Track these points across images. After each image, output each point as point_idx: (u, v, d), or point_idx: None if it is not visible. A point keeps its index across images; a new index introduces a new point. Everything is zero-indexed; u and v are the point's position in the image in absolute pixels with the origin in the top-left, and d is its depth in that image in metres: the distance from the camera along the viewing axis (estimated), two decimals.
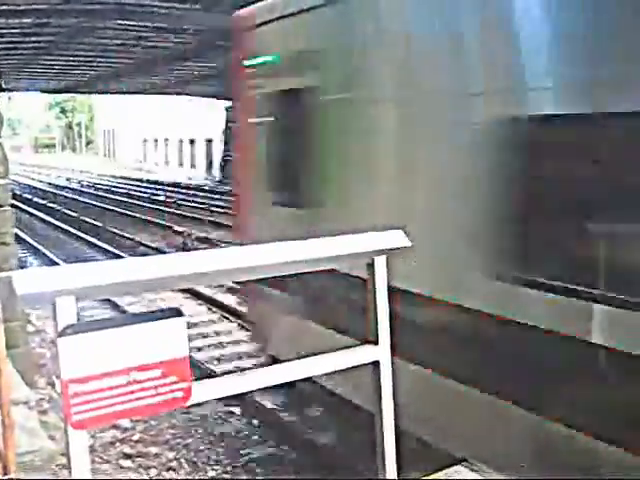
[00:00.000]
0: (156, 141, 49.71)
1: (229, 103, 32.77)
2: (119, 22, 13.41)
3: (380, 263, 2.09)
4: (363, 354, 2.21)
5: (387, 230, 2.19)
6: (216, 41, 16.11)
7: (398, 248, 2.13)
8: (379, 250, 2.10)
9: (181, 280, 2.17)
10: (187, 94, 31.65)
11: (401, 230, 2.15)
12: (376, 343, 2.14)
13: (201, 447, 5.95)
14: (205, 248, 14.89)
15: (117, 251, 14.58)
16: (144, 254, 13.99)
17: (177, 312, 1.78)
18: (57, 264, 11.97)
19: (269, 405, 6.54)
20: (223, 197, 28.25)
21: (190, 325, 9.49)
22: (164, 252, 14.18)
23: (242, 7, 6.38)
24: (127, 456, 5.74)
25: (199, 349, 8.53)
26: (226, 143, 34.93)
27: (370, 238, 2.14)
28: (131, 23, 13.46)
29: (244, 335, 9.23)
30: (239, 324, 9.65)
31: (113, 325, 1.67)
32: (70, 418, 1.59)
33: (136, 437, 6.04)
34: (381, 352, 2.13)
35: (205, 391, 1.93)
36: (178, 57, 18.71)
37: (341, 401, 5.04)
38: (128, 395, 1.70)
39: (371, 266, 2.10)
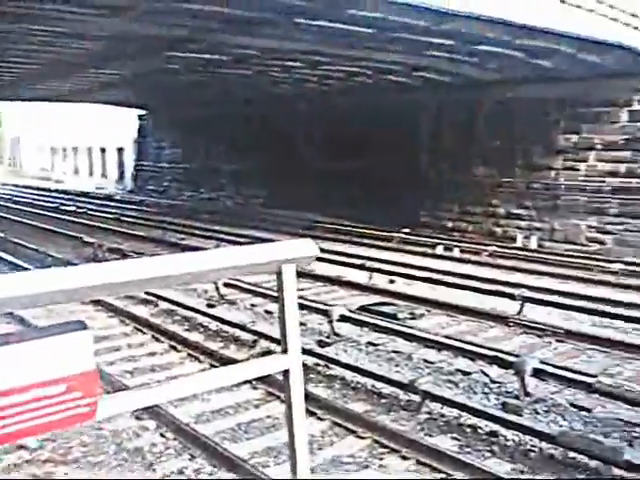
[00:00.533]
0: (64, 150, 48.25)
1: (141, 111, 32.23)
2: (22, 26, 12.97)
3: (288, 272, 2.11)
4: (273, 363, 2.22)
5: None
6: (125, 49, 15.83)
7: (307, 257, 2.15)
8: (288, 259, 2.11)
9: (90, 291, 2.10)
10: (96, 101, 30.86)
11: (310, 239, 2.18)
12: (286, 352, 2.15)
13: (114, 464, 5.80)
14: (116, 259, 14.53)
15: (23, 263, 14.05)
16: (52, 266, 13.52)
17: (82, 325, 1.73)
18: None
19: (184, 418, 6.46)
20: (135, 207, 27.73)
21: (101, 338, 9.26)
22: (74, 264, 13.75)
23: None
24: (35, 478, 5.54)
25: (111, 363, 8.32)
26: (138, 152, 34.29)
27: (279, 247, 2.15)
28: (36, 28, 13.06)
29: (158, 347, 9.09)
30: (152, 336, 9.48)
31: (14, 340, 1.62)
32: None
33: (44, 457, 5.83)
34: (291, 361, 2.14)
35: (113, 405, 1.89)
36: (85, 64, 18.25)
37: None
38: (32, 412, 1.65)
39: (279, 275, 2.11)
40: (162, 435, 6.27)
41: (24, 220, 22.72)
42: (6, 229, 19.69)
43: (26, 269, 12.86)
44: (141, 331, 9.77)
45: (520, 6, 11.83)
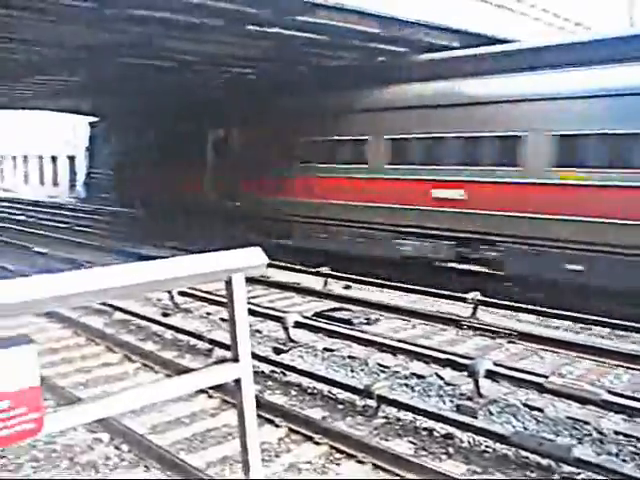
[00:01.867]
0: (14, 158, 47.27)
1: (93, 119, 31.77)
2: None
3: (238, 281, 2.12)
4: (225, 372, 2.23)
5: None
6: (78, 55, 15.61)
7: (256, 265, 2.17)
8: (237, 268, 2.12)
9: (43, 303, 2.08)
10: (47, 109, 30.33)
11: (259, 247, 2.19)
12: (237, 360, 2.16)
13: (67, 478, 5.69)
14: (69, 269, 14.26)
15: None
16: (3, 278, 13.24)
17: (27, 340, 1.71)
18: None
19: (139, 429, 6.38)
20: (87, 216, 27.31)
21: (54, 350, 9.10)
22: (25, 275, 13.46)
23: None
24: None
25: (64, 375, 8.17)
26: (90, 160, 33.81)
27: (228, 256, 2.16)
28: None
29: (112, 358, 8.96)
30: (106, 346, 9.34)
31: None
32: None
33: None
34: (242, 369, 2.15)
35: (61, 419, 1.87)
36: (34, 71, 17.93)
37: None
38: None
39: (229, 283, 2.12)
40: (116, 447, 6.17)
41: None
42: None
43: None
44: (94, 342, 9.62)
45: None
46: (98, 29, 12.38)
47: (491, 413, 6.91)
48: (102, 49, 14.51)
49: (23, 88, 21.93)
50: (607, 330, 9.86)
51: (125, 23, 11.79)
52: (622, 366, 8.26)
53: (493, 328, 9.83)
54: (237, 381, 2.18)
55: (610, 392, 6.73)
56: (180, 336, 9.79)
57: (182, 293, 11.64)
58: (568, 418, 6.70)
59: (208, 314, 11.26)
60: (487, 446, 6.08)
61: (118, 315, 10.95)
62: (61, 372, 8.27)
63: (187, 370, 7.29)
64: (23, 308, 1.83)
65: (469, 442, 6.19)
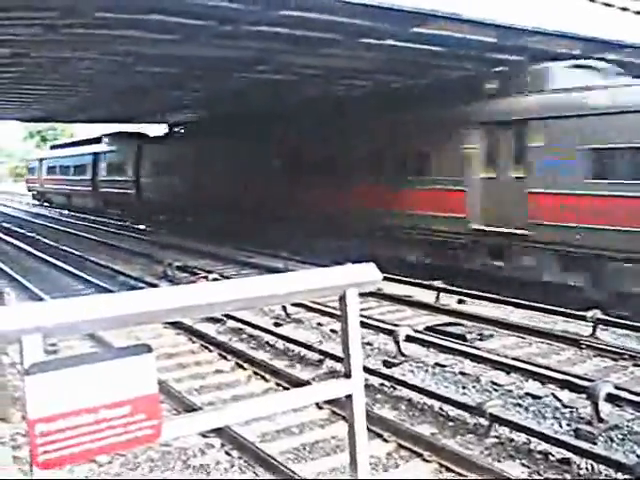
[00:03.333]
0: None
1: None
2: None
3: (352, 296, 2.10)
4: (336, 388, 2.21)
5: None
6: (197, 72, 16.24)
7: (370, 281, 2.14)
8: (351, 283, 2.10)
9: (165, 314, 2.15)
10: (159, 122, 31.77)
11: (373, 263, 2.17)
12: (349, 376, 2.13)
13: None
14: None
15: None
16: None
17: (146, 349, 1.76)
18: None
19: (249, 436, 6.49)
20: None
21: (168, 355, 9.43)
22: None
23: None
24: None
25: (178, 380, 8.44)
26: None
27: (342, 271, 2.15)
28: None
29: (225, 365, 9.18)
30: (219, 354, 9.59)
31: (80, 363, 1.66)
32: (36, 458, 1.58)
33: (114, 471, 5.95)
34: (354, 385, 2.12)
35: (175, 428, 1.91)
36: (159, 86, 18.80)
37: None
38: (96, 434, 1.68)
39: (343, 299, 2.10)
40: (227, 453, 6.31)
41: None
42: None
43: None
44: (208, 349, 9.89)
45: None
46: (217, 46, 12.81)
47: (612, 440, 6.55)
48: (222, 65, 15.01)
49: (148, 103, 22.99)
50: None
51: (244, 40, 12.15)
52: None
53: (615, 349, 9.34)
54: (348, 396, 2.16)
55: None
56: (291, 346, 9.90)
57: (294, 303, 11.78)
58: None
59: (319, 325, 11.34)
60: (607, 475, 5.76)
61: (231, 323, 11.21)
62: (176, 377, 8.55)
63: (298, 383, 7.37)
64: (147, 318, 1.90)
65: (587, 469, 5.89)
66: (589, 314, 10.33)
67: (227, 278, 14.64)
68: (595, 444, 6.32)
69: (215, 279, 14.03)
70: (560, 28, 11.92)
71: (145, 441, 1.75)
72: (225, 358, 9.42)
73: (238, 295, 1.99)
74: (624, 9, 12.61)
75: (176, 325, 10.80)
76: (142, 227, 26.27)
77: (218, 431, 6.38)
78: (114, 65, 15.31)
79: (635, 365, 8.84)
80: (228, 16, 10.64)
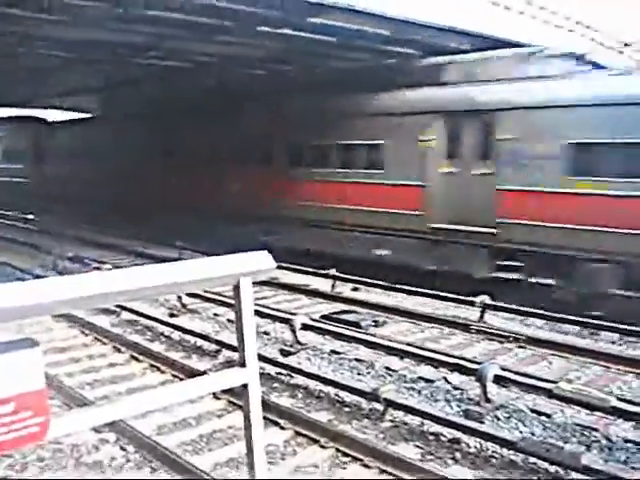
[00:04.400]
0: None
1: None
2: None
3: (246, 285, 2.10)
4: (232, 377, 2.21)
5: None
6: (91, 55, 15.66)
7: (264, 270, 2.15)
8: (245, 272, 2.10)
9: (56, 306, 2.07)
10: (59, 107, 30.47)
11: (266, 252, 2.17)
12: (244, 365, 2.14)
13: (72, 478, 5.69)
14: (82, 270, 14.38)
15: None
16: None
17: (31, 343, 1.70)
18: None
19: (145, 430, 6.37)
20: None
21: (60, 350, 9.11)
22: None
23: None
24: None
25: (70, 374, 8.18)
26: None
27: (236, 260, 2.14)
28: None
29: (119, 358, 8.96)
30: (113, 347, 9.35)
31: None
32: None
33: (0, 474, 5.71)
34: (249, 375, 2.13)
35: (65, 424, 1.85)
36: (51, 69, 18.02)
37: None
38: None
39: (237, 288, 2.10)
40: (122, 448, 6.17)
41: None
42: None
43: None
44: (101, 342, 9.63)
45: None
46: (111, 29, 12.40)
47: (498, 418, 6.87)
48: (116, 49, 14.54)
49: (40, 86, 21.98)
50: (617, 335, 9.78)
51: (140, 24, 11.82)
52: (632, 372, 8.19)
53: (501, 332, 9.77)
54: (244, 386, 2.16)
55: (619, 399, 6.68)
56: (187, 337, 9.79)
57: (190, 294, 11.63)
58: (576, 424, 6.65)
59: (216, 315, 11.26)
60: (494, 452, 6.04)
61: (125, 315, 10.96)
62: (68, 371, 8.28)
63: (195, 374, 7.29)
64: (35, 310, 1.82)
65: (476, 447, 6.15)
66: (478, 299, 10.75)
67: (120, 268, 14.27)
68: (483, 423, 6.61)
69: (108, 270, 13.66)
70: (450, 24, 12.27)
71: (32, 439, 1.70)
72: (119, 351, 9.20)
73: (131, 285, 1.95)
74: (507, 8, 13.13)
75: (68, 318, 10.43)
76: (31, 217, 25.14)
77: (112, 426, 6.23)
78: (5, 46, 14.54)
79: (519, 347, 9.29)
80: None
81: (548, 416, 6.88)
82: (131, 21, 11.62)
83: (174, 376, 8.14)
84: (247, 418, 2.20)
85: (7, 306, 1.68)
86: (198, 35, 12.87)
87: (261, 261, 2.15)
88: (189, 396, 2.26)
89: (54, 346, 9.13)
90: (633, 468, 5.76)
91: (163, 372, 8.32)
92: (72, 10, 10.90)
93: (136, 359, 8.84)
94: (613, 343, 9.63)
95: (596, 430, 6.49)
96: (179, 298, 11.52)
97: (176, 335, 9.98)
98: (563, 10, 14.28)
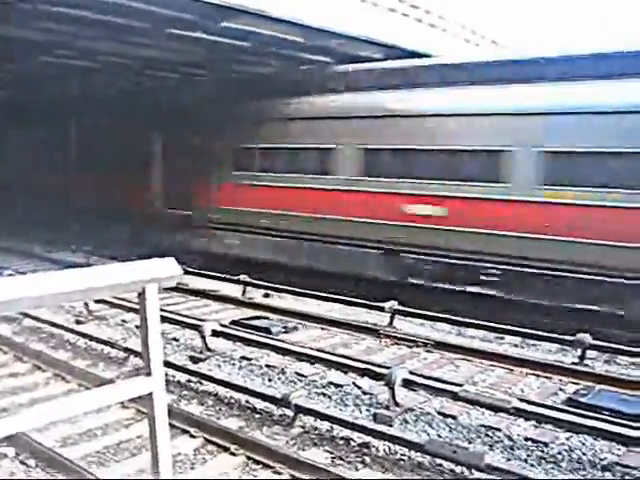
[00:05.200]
0: None
1: None
2: None
3: (151, 292, 2.07)
4: (137, 386, 2.17)
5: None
6: None
7: (170, 276, 2.12)
8: (151, 279, 2.07)
9: None
10: None
11: (173, 258, 2.15)
12: (149, 374, 2.10)
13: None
14: None
15: None
16: None
17: None
18: None
19: (48, 442, 6.15)
20: None
21: None
22: None
23: None
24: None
25: None
26: None
27: (142, 266, 2.11)
28: None
29: (21, 367, 8.62)
30: (15, 355, 8.98)
31: None
32: None
33: None
34: (154, 383, 2.10)
35: None
36: None
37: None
38: None
39: (142, 295, 2.06)
40: (23, 462, 5.93)
41: None
42: None
43: None
44: (1, 350, 9.23)
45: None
46: (15, 25, 11.94)
47: (407, 422, 7.01)
48: (20, 45, 13.99)
49: None
50: (519, 339, 10.16)
51: (44, 21, 11.43)
52: (533, 374, 8.53)
53: (410, 337, 9.97)
54: (149, 395, 2.13)
55: (521, 400, 6.93)
56: (94, 344, 9.52)
57: (97, 300, 11.32)
58: (481, 425, 6.87)
59: (123, 321, 11.00)
60: (403, 454, 6.16)
61: (28, 322, 10.55)
62: None
63: (100, 384, 7.10)
64: None
65: (385, 451, 6.25)
66: (387, 305, 10.94)
67: (24, 274, 13.75)
68: (392, 426, 6.72)
69: (10, 275, 13.13)
70: (364, 33, 12.47)
71: None
72: (21, 360, 8.84)
73: (35, 292, 1.89)
74: (419, 20, 13.48)
75: None
76: None
77: (11, 439, 5.97)
78: None
79: (427, 351, 9.51)
80: None
81: (454, 418, 7.07)
82: (37, 17, 11.23)
83: (80, 385, 7.89)
84: (153, 427, 2.17)
85: None
86: (108, 34, 12.56)
87: (167, 268, 2.12)
88: (94, 406, 2.20)
89: None
90: (532, 465, 6.01)
91: (68, 381, 8.05)
92: None
93: (39, 368, 8.52)
94: (516, 346, 10.00)
95: (499, 430, 6.72)
96: (85, 304, 11.19)
97: (82, 342, 9.69)
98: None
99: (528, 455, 6.23)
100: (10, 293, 1.85)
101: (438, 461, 5.91)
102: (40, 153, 21.78)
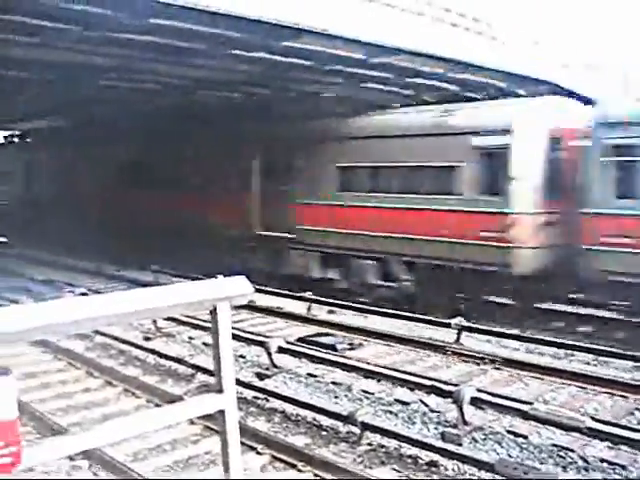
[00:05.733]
0: None
1: None
2: None
3: (223, 309, 2.09)
4: (209, 403, 2.19)
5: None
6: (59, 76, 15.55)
7: (242, 294, 2.14)
8: (223, 297, 2.09)
9: (30, 333, 2.04)
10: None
11: (244, 276, 2.17)
12: (221, 391, 2.12)
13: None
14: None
15: None
16: None
17: (4, 371, 1.67)
18: None
19: (119, 456, 6.26)
20: None
21: (32, 375, 8.96)
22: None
23: None
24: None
25: (42, 400, 8.03)
26: None
27: (213, 285, 2.13)
28: None
29: (93, 383, 8.83)
30: (87, 371, 9.22)
31: None
32: None
33: None
34: (226, 401, 2.11)
35: (38, 453, 1.82)
36: (18, 89, 17.82)
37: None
38: None
39: (214, 312, 2.09)
40: (95, 474, 6.06)
41: None
42: None
43: None
44: (75, 366, 9.49)
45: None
46: (81, 51, 12.34)
47: (476, 440, 6.87)
48: (84, 71, 14.46)
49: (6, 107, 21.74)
50: (591, 357, 9.85)
51: (108, 46, 11.79)
52: (606, 392, 8.25)
53: (477, 354, 9.80)
54: (221, 412, 2.14)
55: (594, 419, 6.72)
56: (162, 361, 9.69)
57: (165, 317, 11.53)
58: (553, 445, 6.67)
59: (191, 339, 11.16)
60: (472, 474, 6.03)
61: (99, 339, 10.82)
62: (40, 398, 8.14)
63: (170, 399, 7.19)
64: (12, 338, 1.80)
65: (454, 470, 6.14)
66: (453, 321, 10.78)
67: (95, 292, 14.12)
68: (460, 445, 6.60)
69: (82, 294, 13.51)
70: (423, 49, 12.43)
71: (4, 470, 1.66)
72: (93, 375, 9.07)
73: (108, 311, 1.93)
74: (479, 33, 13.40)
75: (40, 342, 10.27)
76: (3, 240, 24.83)
77: (85, 453, 6.11)
78: None
79: (495, 369, 9.32)
80: (93, 21, 10.29)
81: (525, 437, 6.89)
82: (96, 43, 11.59)
83: (149, 401, 8.04)
84: (224, 443, 2.18)
85: None
86: (165, 57, 12.85)
87: (239, 286, 2.15)
88: (166, 422, 2.23)
89: (25, 371, 8.97)
90: None
91: (138, 397, 8.21)
92: (41, 32, 10.84)
93: (110, 384, 8.72)
94: (588, 364, 9.69)
95: (572, 451, 6.51)
96: (154, 321, 11.41)
97: (151, 359, 9.87)
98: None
99: (605, 478, 6.01)
100: (88, 312, 1.90)
101: None
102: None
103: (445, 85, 15.37)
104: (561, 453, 6.51)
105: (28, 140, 29.30)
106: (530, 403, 7.18)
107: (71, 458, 6.18)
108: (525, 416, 6.96)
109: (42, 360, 9.84)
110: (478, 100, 15.56)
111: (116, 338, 10.69)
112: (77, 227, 22.74)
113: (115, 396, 8.36)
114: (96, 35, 10.91)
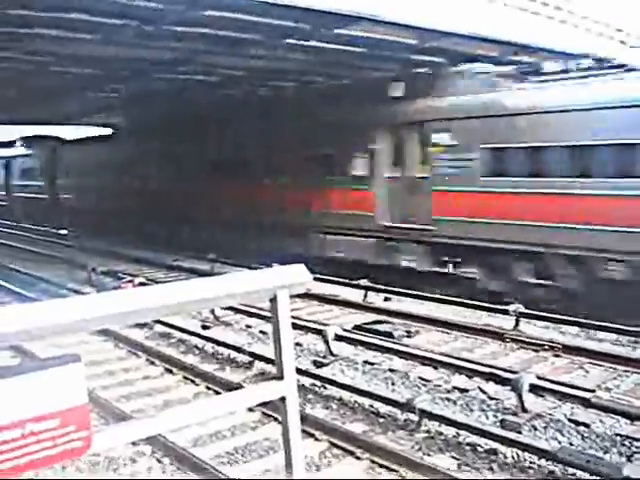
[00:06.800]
0: None
1: None
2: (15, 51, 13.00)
3: (283, 297, 2.10)
4: (269, 390, 2.21)
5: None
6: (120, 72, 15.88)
7: (301, 283, 2.16)
8: (282, 285, 2.11)
9: (93, 322, 2.10)
10: (90, 124, 30.89)
11: (303, 264, 2.18)
12: (281, 378, 2.14)
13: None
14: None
15: None
16: None
17: (75, 358, 1.72)
18: None
19: (181, 442, 6.40)
20: None
21: (95, 363, 9.21)
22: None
23: None
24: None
25: (106, 387, 8.26)
26: None
27: (272, 273, 2.15)
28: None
29: (153, 371, 9.03)
30: (147, 359, 9.43)
31: (5, 375, 1.61)
32: None
33: None
34: (287, 387, 2.13)
35: (107, 438, 1.88)
36: (81, 87, 18.29)
37: None
38: (24, 448, 1.63)
39: (274, 301, 2.11)
40: (158, 460, 6.21)
41: None
42: None
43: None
44: (136, 355, 9.72)
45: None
46: (140, 46, 12.57)
47: (536, 428, 6.78)
48: (145, 65, 14.74)
49: (69, 104, 22.30)
50: None
51: (166, 40, 11.98)
52: None
53: (536, 341, 9.65)
54: (282, 399, 2.17)
55: None
56: (220, 349, 9.83)
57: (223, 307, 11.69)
58: (616, 434, 6.53)
59: (248, 327, 11.30)
60: (532, 462, 5.96)
61: (158, 328, 11.04)
62: (103, 385, 8.37)
63: (229, 386, 7.29)
64: (76, 327, 1.85)
65: (513, 457, 6.08)
66: (511, 308, 10.63)
67: (153, 282, 14.41)
68: (520, 433, 6.52)
69: (141, 283, 13.79)
70: (475, 31, 12.22)
71: (76, 454, 1.72)
72: (153, 363, 9.28)
73: (167, 301, 1.97)
74: (535, 13, 13.08)
75: (102, 331, 10.55)
76: (64, 232, 25.51)
77: (148, 438, 6.26)
78: (33, 65, 14.78)
79: (555, 355, 9.17)
80: (150, 16, 10.46)
81: (587, 426, 6.77)
82: (157, 37, 11.77)
83: (208, 388, 8.18)
84: (285, 430, 2.21)
85: (50, 324, 1.71)
86: (225, 49, 12.98)
87: (297, 274, 2.16)
88: (228, 409, 2.27)
89: (89, 359, 9.23)
90: None
91: (197, 384, 8.36)
92: (100, 29, 11.08)
93: (170, 372, 8.90)
94: None
95: (637, 440, 6.37)
96: (212, 310, 11.58)
97: (209, 347, 10.03)
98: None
99: None
100: (149, 303, 1.94)
101: (571, 470, 5.68)
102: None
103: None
104: (625, 442, 6.38)
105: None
106: (592, 391, 7.05)
107: (134, 443, 6.35)
108: (587, 404, 6.84)
109: (104, 349, 10.11)
110: None
111: (175, 327, 10.89)
112: (139, 219, 23.04)
113: (175, 384, 8.53)
114: (153, 29, 11.11)
